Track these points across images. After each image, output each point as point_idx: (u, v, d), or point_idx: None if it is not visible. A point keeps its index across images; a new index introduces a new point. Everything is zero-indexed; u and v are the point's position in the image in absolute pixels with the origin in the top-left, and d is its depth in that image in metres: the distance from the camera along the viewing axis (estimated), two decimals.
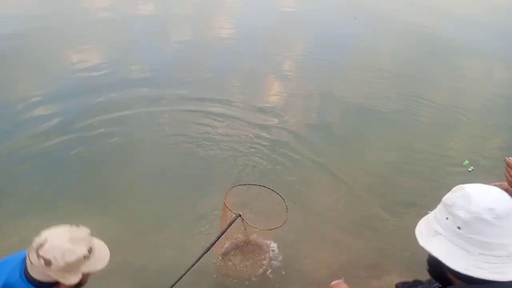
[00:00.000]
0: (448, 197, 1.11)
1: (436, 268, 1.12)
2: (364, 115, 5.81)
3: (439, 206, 1.14)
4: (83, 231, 1.53)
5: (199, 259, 2.52)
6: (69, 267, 1.45)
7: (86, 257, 1.49)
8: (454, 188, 1.12)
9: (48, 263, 1.42)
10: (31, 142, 4.55)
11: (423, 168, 4.70)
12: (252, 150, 4.75)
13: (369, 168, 4.60)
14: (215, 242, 2.70)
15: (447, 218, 1.07)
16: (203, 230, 3.54)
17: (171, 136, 4.94)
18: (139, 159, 4.54)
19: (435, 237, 1.09)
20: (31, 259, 1.44)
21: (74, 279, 1.47)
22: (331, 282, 1.56)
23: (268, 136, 5.05)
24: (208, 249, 2.64)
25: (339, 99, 6.20)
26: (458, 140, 5.38)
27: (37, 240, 1.46)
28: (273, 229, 2.82)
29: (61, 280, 1.45)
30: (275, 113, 5.58)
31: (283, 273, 3.23)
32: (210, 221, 3.60)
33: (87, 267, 1.51)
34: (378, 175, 4.52)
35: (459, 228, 1.03)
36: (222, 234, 2.74)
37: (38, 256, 1.42)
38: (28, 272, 1.46)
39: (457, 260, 1.02)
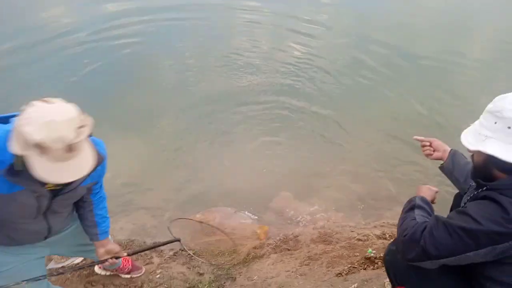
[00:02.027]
0: (494, 105, 1.27)
1: (485, 168, 1.31)
2: None
3: (484, 115, 1.31)
4: (68, 128, 1.25)
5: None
6: (17, 135, 1.24)
7: (37, 146, 1.21)
8: (496, 98, 1.29)
9: (21, 121, 1.23)
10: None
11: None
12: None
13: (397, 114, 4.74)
14: (141, 251, 2.38)
15: (495, 123, 1.25)
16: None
17: None
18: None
19: (485, 141, 1.27)
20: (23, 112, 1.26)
21: (14, 149, 1.25)
22: None
23: None
24: (134, 253, 2.21)
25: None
26: None
27: (36, 101, 1.27)
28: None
29: (11, 142, 1.26)
30: None
31: None
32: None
33: (33, 158, 1.24)
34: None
35: (509, 127, 1.22)
36: (152, 248, 2.48)
37: (24, 110, 1.25)
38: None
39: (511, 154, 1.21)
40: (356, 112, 4.74)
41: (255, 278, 2.60)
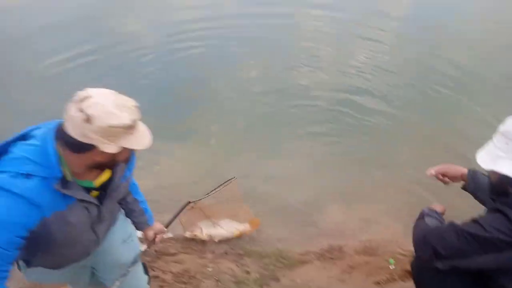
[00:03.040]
0: (505, 127, 1.39)
1: (500, 186, 1.41)
2: None
3: (496, 137, 1.43)
4: (130, 102, 1.31)
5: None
6: (109, 132, 1.24)
7: (128, 128, 1.27)
8: (508, 120, 1.40)
9: (88, 119, 1.20)
10: None
11: None
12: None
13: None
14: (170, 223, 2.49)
15: (507, 144, 1.37)
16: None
17: None
18: None
19: (499, 160, 1.38)
20: (70, 112, 1.23)
21: (111, 148, 1.27)
22: None
23: None
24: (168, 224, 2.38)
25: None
26: None
27: (81, 94, 1.25)
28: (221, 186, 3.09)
29: (98, 144, 1.24)
30: None
31: None
32: None
33: (127, 141, 1.29)
34: None
35: None
36: (172, 221, 2.61)
37: (80, 109, 1.21)
38: (61, 128, 1.26)
39: None
40: (418, 126, 4.67)
41: (298, 280, 2.78)
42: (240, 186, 3.26)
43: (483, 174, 1.79)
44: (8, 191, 1.21)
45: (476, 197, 1.82)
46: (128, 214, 1.89)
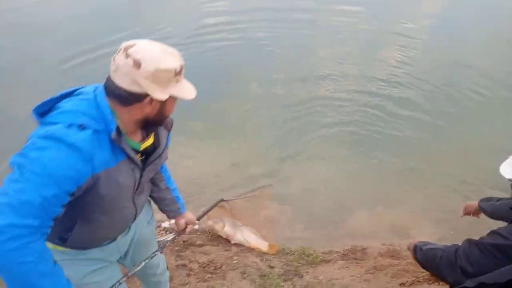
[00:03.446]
0: None
1: None
2: None
3: None
4: (175, 50, 1.30)
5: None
6: (158, 78, 1.23)
7: (177, 73, 1.27)
8: None
9: (137, 63, 1.19)
10: None
11: None
12: None
13: None
14: (201, 217, 2.55)
15: None
16: None
17: None
18: None
19: None
20: (116, 61, 1.21)
21: (162, 95, 1.25)
22: None
23: None
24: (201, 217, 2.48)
25: None
26: None
27: (125, 43, 1.23)
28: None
29: (148, 90, 1.22)
30: None
31: None
32: None
33: (175, 89, 1.29)
34: None
35: None
36: (204, 215, 2.71)
37: (127, 55, 1.19)
38: (110, 81, 1.25)
39: None
40: (449, 133, 4.64)
41: (320, 277, 2.81)
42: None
43: (492, 198, 1.99)
44: (60, 141, 1.14)
45: (496, 218, 1.90)
46: (159, 202, 1.84)
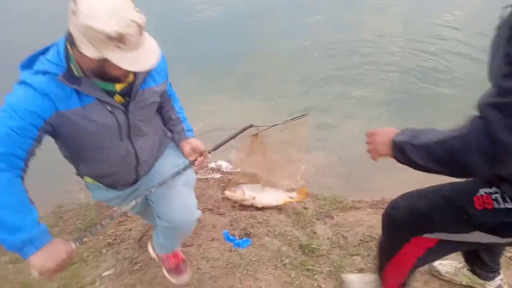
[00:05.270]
0: None
1: None
2: None
3: None
4: (134, 15, 1.21)
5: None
6: (90, 35, 1.18)
7: (111, 39, 1.18)
8: None
9: (73, 11, 1.18)
10: None
11: None
12: None
13: None
14: (223, 144, 2.33)
15: None
16: None
17: None
18: None
19: None
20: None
21: (89, 52, 1.23)
22: None
23: None
24: (215, 149, 2.18)
25: None
26: None
27: None
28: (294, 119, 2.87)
29: (77, 42, 1.23)
30: None
31: None
32: None
33: (112, 55, 1.22)
34: None
35: None
36: (231, 138, 2.51)
37: (75, 1, 1.18)
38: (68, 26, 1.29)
39: None
40: None
41: (350, 219, 3.10)
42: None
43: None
44: (25, 83, 1.34)
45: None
46: (166, 123, 1.89)
